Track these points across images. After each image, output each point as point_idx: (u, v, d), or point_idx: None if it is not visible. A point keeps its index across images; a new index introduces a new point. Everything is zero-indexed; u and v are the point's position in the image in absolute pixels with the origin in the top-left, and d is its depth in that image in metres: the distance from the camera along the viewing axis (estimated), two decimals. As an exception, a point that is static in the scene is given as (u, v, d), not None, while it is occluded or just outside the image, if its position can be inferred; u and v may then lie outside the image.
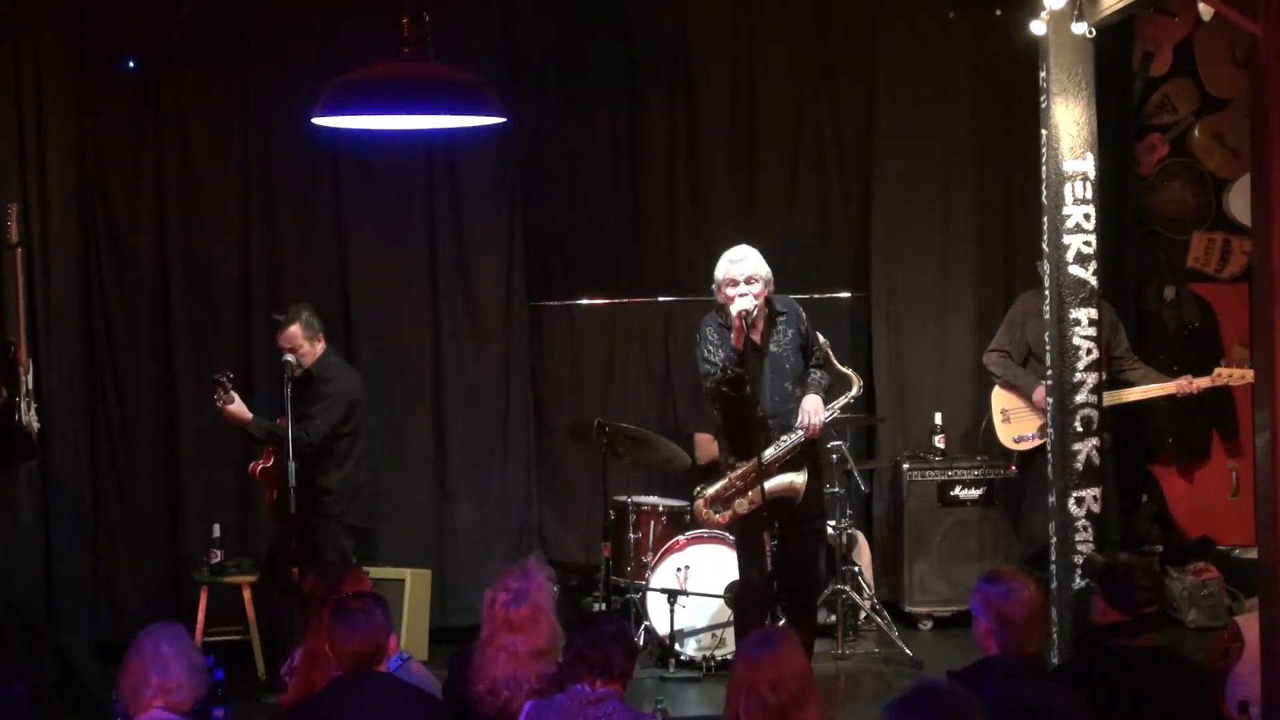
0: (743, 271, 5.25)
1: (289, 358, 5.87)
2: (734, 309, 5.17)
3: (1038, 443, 6.27)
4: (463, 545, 6.93)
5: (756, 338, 5.33)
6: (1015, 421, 6.53)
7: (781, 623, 5.38)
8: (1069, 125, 5.28)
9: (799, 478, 5.32)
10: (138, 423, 6.78)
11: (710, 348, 5.30)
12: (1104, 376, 5.44)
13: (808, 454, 5.41)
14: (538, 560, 3.96)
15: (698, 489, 5.46)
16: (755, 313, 5.22)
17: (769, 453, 5.30)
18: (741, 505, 5.28)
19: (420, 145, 6.73)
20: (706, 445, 6.58)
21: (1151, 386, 6.35)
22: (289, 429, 5.63)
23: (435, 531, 6.94)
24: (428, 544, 6.90)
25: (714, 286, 5.34)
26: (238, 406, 5.79)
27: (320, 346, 5.94)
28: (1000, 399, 6.57)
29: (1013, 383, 6.51)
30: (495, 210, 6.97)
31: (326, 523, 5.91)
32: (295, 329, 5.87)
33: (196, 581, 6.48)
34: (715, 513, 5.36)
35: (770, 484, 5.27)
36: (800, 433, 5.33)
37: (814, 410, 5.33)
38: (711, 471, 5.88)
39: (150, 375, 6.78)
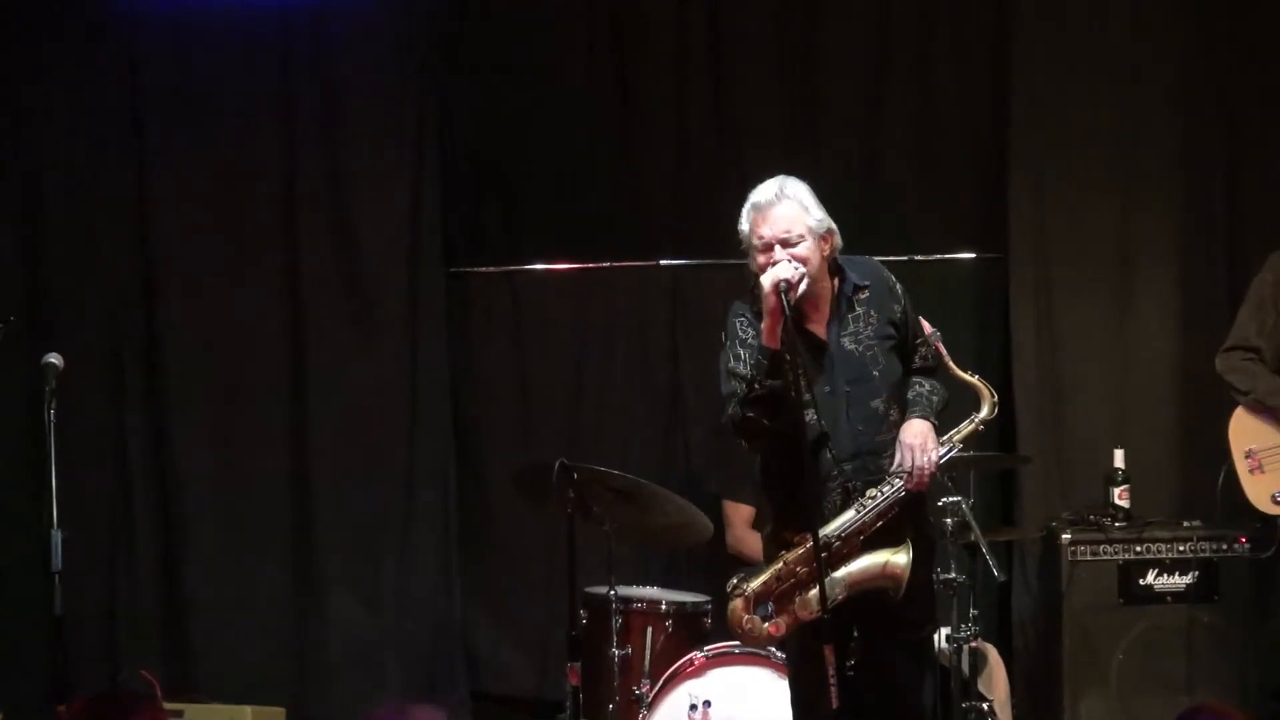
0: (777, 224, 5.12)
1: (52, 358, 5.84)
2: (766, 281, 5.05)
3: (1315, 504, 6.33)
4: (337, 667, 7.02)
5: (820, 329, 5.24)
6: (1272, 470, 6.40)
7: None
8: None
9: (898, 557, 5.18)
10: None
11: (740, 351, 5.23)
12: None
13: (911, 517, 5.27)
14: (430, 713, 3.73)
15: (734, 581, 5.30)
16: (804, 284, 5.08)
17: (847, 517, 5.17)
18: (808, 606, 5.14)
19: (271, 14, 6.88)
20: (751, 531, 6.54)
21: None
22: None
23: (293, 645, 7.04)
24: (281, 666, 7.01)
25: (743, 249, 5.26)
26: None
27: None
28: (1245, 431, 6.45)
29: (1266, 403, 6.39)
30: (395, 120, 7.08)
31: None
32: None
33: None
34: (763, 618, 5.21)
35: (852, 568, 5.17)
36: (899, 481, 5.20)
37: (920, 444, 5.21)
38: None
39: None
